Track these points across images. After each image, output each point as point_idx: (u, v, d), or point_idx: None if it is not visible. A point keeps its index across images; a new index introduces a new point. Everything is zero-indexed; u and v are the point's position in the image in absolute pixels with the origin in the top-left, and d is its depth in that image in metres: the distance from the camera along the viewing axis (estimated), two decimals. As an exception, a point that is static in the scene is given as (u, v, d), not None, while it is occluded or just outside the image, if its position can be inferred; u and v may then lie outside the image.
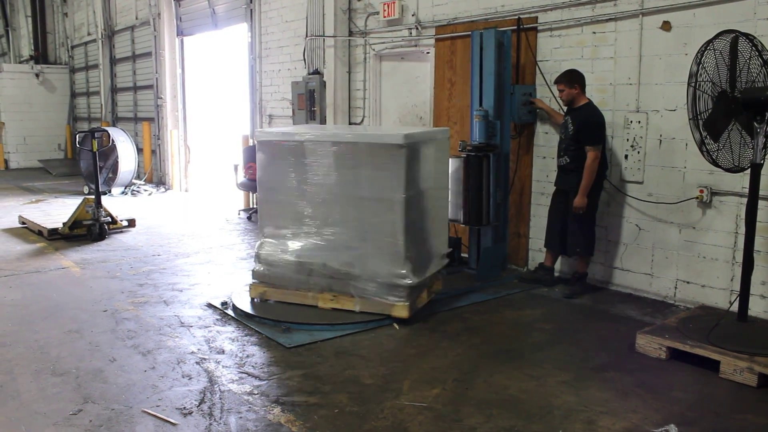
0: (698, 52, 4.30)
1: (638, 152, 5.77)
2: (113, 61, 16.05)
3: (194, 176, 13.51)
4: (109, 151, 12.52)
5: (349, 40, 8.73)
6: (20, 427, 3.54)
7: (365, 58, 8.59)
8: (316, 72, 9.14)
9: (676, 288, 5.64)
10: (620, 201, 5.97)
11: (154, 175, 14.21)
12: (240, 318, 5.30)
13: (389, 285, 5.11)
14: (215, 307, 5.59)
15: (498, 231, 6.55)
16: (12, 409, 3.75)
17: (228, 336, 4.94)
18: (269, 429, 3.53)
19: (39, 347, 4.69)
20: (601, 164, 5.71)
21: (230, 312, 5.43)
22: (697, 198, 5.39)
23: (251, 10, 10.63)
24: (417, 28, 7.74)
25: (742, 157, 4.39)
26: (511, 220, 6.79)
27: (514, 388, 4.05)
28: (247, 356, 4.54)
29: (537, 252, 6.63)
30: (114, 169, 12.81)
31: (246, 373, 4.24)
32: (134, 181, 13.34)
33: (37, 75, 18.00)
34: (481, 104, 6.34)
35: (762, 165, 4.30)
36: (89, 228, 8.32)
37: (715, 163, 4.42)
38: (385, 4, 8.03)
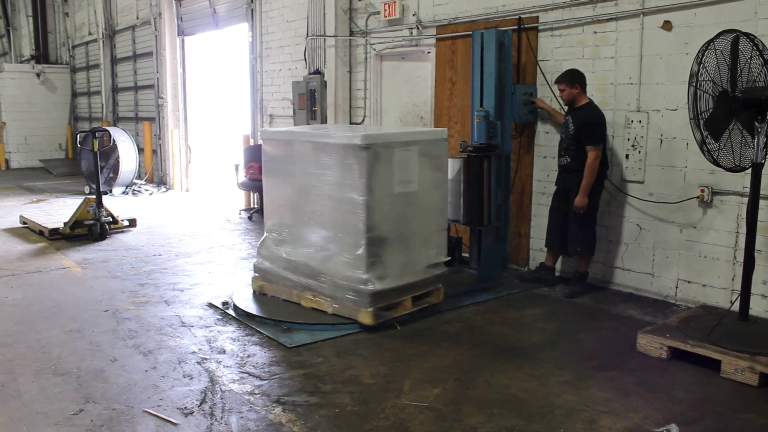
0: (699, 52, 4.30)
1: (639, 152, 5.77)
2: (114, 61, 16.06)
3: (195, 176, 13.52)
4: (110, 151, 12.52)
5: (350, 39, 8.73)
6: (21, 427, 3.55)
7: (366, 58, 8.59)
8: (317, 72, 9.15)
9: (677, 287, 5.64)
10: (621, 200, 5.97)
11: (155, 174, 14.22)
12: (241, 318, 5.30)
13: (353, 290, 5.02)
14: (216, 306, 5.60)
15: (499, 231, 6.54)
16: (13, 409, 3.75)
17: (229, 336, 4.94)
18: (270, 429, 3.54)
19: (40, 347, 4.70)
20: (602, 164, 5.71)
21: (231, 312, 5.44)
22: (698, 197, 5.39)
23: (252, 9, 10.63)
24: (418, 28, 7.74)
25: (743, 156, 4.39)
26: (512, 219, 6.79)
27: (515, 387, 4.05)
28: (248, 356, 4.54)
29: (538, 252, 6.63)
30: (115, 168, 12.83)
31: (247, 373, 4.25)
32: (135, 180, 13.35)
33: (38, 75, 18.02)
34: (482, 104, 6.34)
35: (763, 164, 4.30)
36: (90, 228, 8.33)
37: (716, 163, 4.41)
38: (385, 4, 8.03)
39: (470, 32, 6.64)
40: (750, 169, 4.35)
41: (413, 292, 5.33)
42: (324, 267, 5.22)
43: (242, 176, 10.08)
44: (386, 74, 8.47)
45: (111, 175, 12.82)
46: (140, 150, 13.89)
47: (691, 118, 4.34)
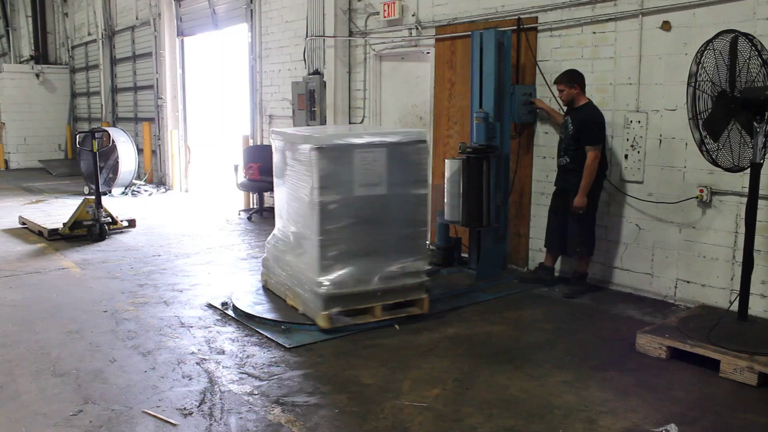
0: (698, 52, 4.30)
1: (638, 152, 5.77)
2: (113, 62, 16.05)
3: (194, 176, 13.51)
4: (109, 152, 12.52)
5: (350, 40, 8.73)
6: (20, 428, 3.54)
7: (365, 59, 8.59)
8: (317, 72, 9.14)
9: (676, 287, 5.64)
10: (620, 201, 5.97)
11: (155, 175, 14.21)
12: (240, 318, 5.31)
13: (312, 291, 5.02)
14: (215, 307, 5.60)
15: (498, 231, 6.55)
16: (12, 410, 3.75)
17: (228, 336, 4.94)
18: (269, 429, 3.54)
19: (39, 348, 4.70)
20: (601, 164, 5.71)
21: (230, 312, 5.44)
22: (697, 197, 5.39)
23: (251, 10, 10.63)
24: (417, 29, 7.74)
25: (741, 156, 4.39)
26: (512, 219, 6.79)
27: (515, 387, 4.05)
28: (248, 356, 4.54)
29: (537, 252, 6.63)
30: (114, 169, 12.82)
31: (246, 374, 4.25)
32: (134, 181, 13.34)
33: (37, 75, 18.00)
34: (481, 104, 6.34)
35: (762, 164, 4.31)
36: (89, 228, 8.33)
37: (714, 163, 4.42)
38: (385, 5, 8.03)
39: (469, 33, 6.65)
40: (749, 169, 4.35)
41: (384, 300, 5.12)
42: (297, 266, 5.33)
43: (241, 177, 10.08)
44: (385, 75, 8.48)
45: (110, 175, 12.82)
46: (139, 150, 13.88)
47: (690, 119, 4.34)
